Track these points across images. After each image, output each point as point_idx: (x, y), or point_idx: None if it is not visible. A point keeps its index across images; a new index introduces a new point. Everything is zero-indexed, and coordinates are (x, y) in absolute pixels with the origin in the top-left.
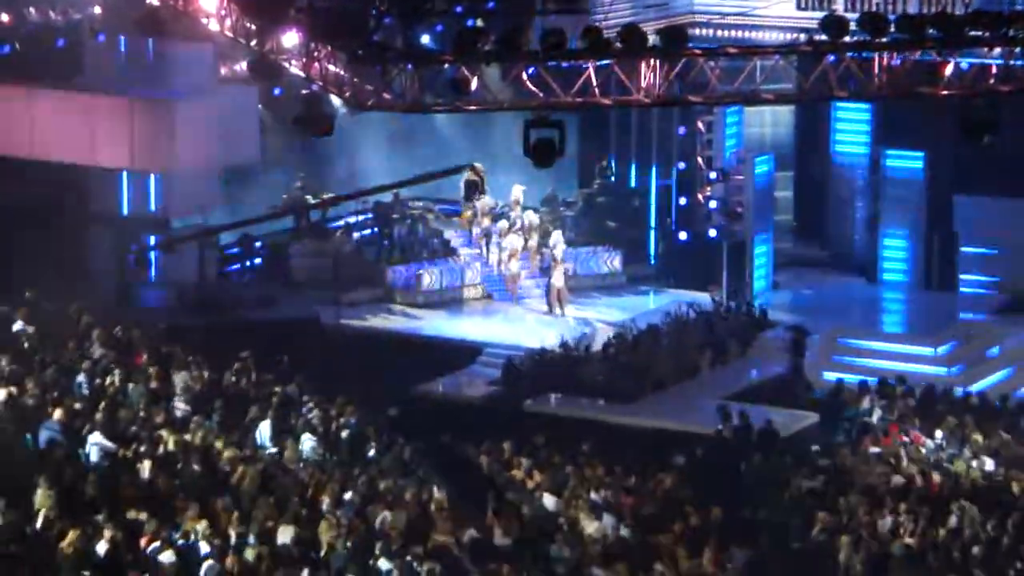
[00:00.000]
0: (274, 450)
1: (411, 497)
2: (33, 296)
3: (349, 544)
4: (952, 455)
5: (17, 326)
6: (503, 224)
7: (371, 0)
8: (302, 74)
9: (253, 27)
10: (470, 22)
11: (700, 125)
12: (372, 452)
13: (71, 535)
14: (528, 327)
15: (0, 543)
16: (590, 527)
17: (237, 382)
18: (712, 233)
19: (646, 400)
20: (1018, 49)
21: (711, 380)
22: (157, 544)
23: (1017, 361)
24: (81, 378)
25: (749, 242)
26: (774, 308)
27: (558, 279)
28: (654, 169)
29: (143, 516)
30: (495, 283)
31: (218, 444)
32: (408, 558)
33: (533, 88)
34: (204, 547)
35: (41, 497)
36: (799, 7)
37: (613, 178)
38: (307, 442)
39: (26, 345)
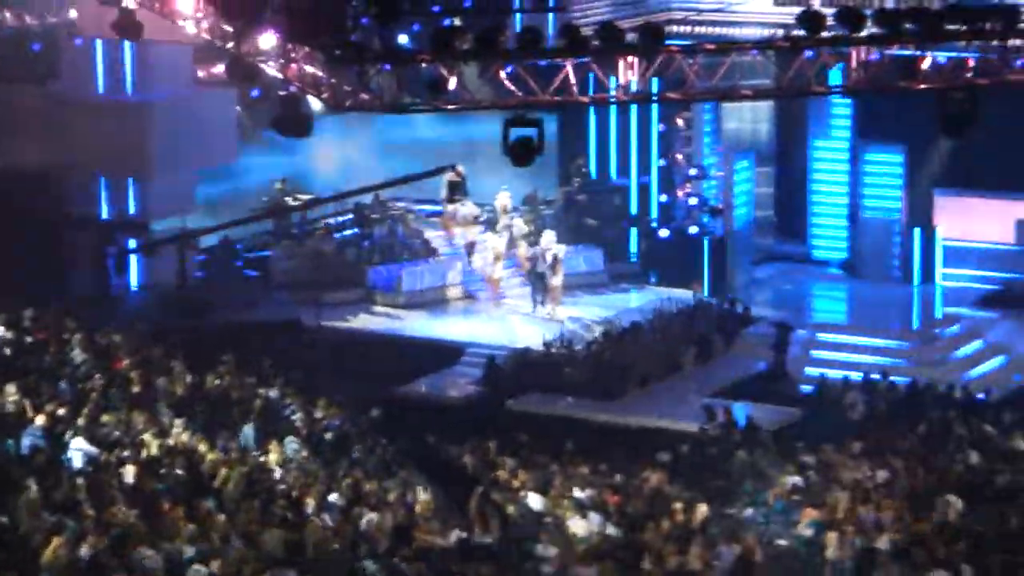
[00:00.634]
0: (258, 453)
1: (396, 498)
2: (12, 301)
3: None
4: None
5: None
6: (491, 237)
7: (348, 0)
8: (279, 75)
9: (230, 29)
10: (447, 21)
11: (679, 122)
12: (356, 454)
13: (54, 541)
14: (510, 326)
15: None
16: (576, 526)
17: (219, 385)
18: (693, 230)
19: (630, 397)
20: (995, 43)
21: (695, 376)
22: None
23: (1000, 353)
24: (63, 383)
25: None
26: (757, 304)
27: (559, 279)
28: (633, 166)
29: (128, 521)
30: (476, 282)
31: (201, 447)
32: (394, 559)
33: (511, 87)
34: (189, 551)
35: (24, 503)
36: (776, 3)
37: (590, 176)
38: (290, 444)
39: (6, 351)
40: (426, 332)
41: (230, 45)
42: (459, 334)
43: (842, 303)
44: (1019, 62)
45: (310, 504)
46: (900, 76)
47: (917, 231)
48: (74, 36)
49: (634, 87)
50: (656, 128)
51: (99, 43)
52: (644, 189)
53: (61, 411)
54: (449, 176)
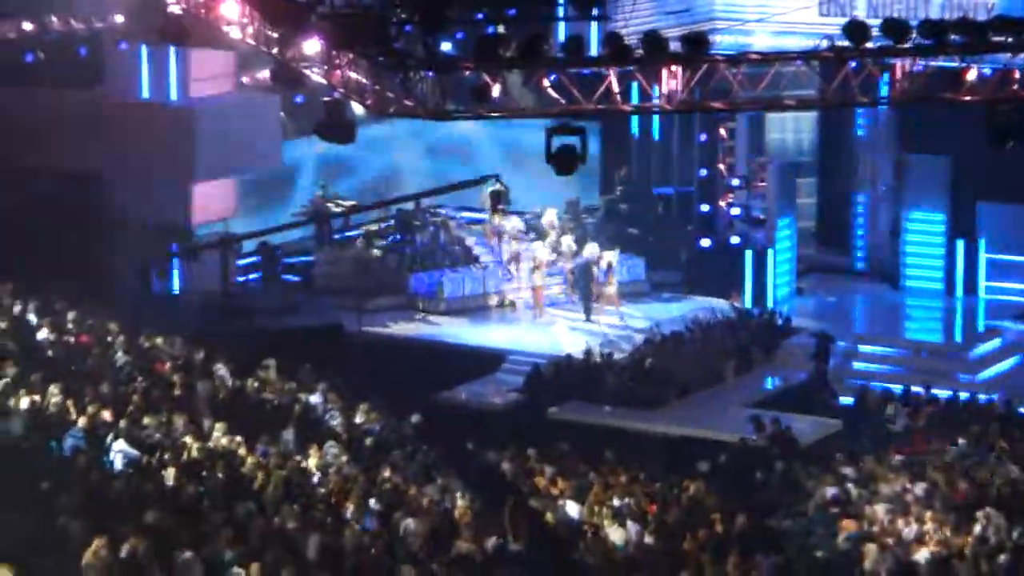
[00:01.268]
0: (298, 457)
1: (434, 505)
2: (58, 305)
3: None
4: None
5: (42, 334)
6: (539, 246)
7: (392, 8)
8: (324, 81)
9: (274, 35)
10: (491, 29)
11: (722, 132)
12: (395, 459)
13: (95, 543)
14: (552, 334)
15: (24, 551)
16: (614, 534)
17: (260, 389)
18: (735, 240)
19: (670, 407)
20: None
21: (735, 387)
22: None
23: None
24: (105, 386)
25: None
26: (798, 315)
27: (613, 287)
28: (676, 176)
29: (168, 524)
30: (519, 291)
31: (241, 451)
32: (432, 565)
33: (555, 95)
34: (228, 554)
35: (66, 505)
36: (821, 13)
37: (630, 185)
38: (330, 449)
39: (50, 353)
40: (467, 339)
41: (275, 51)
42: (500, 341)
43: (884, 314)
44: None
45: (349, 509)
46: (945, 87)
47: (960, 243)
48: (120, 41)
49: (677, 96)
50: (698, 138)
51: (144, 48)
52: (686, 199)
53: (104, 413)
54: (492, 187)
